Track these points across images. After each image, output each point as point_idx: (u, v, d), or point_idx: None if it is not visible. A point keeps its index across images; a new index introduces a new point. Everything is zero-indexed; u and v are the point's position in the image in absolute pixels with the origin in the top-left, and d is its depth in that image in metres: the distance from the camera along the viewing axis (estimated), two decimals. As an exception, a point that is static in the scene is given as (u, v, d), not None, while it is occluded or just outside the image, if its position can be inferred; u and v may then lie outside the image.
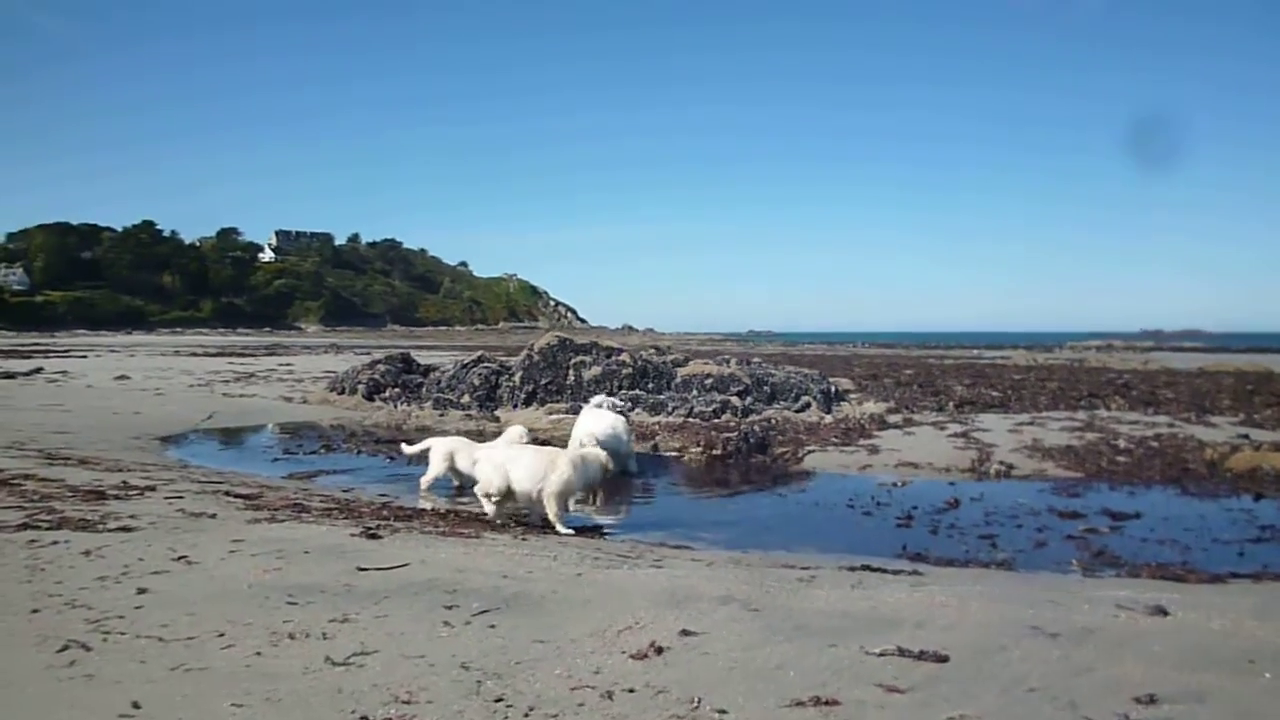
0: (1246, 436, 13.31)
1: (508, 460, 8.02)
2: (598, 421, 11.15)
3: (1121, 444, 12.79)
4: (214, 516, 7.06)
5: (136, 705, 3.38)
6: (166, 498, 7.83)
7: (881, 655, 3.99)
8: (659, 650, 4.02)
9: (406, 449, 10.49)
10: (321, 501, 8.45)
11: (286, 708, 3.37)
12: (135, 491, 8.05)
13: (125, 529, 6.29)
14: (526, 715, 3.31)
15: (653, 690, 3.56)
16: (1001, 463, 11.67)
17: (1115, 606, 5.06)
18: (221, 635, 4.17)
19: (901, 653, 4.01)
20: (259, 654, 3.94)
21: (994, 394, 19.32)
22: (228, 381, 23.39)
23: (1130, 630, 4.53)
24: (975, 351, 52.13)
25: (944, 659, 3.96)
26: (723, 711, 3.36)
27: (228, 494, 8.41)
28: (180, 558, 5.56)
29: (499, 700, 3.44)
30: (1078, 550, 7.54)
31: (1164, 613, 4.94)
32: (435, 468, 9.77)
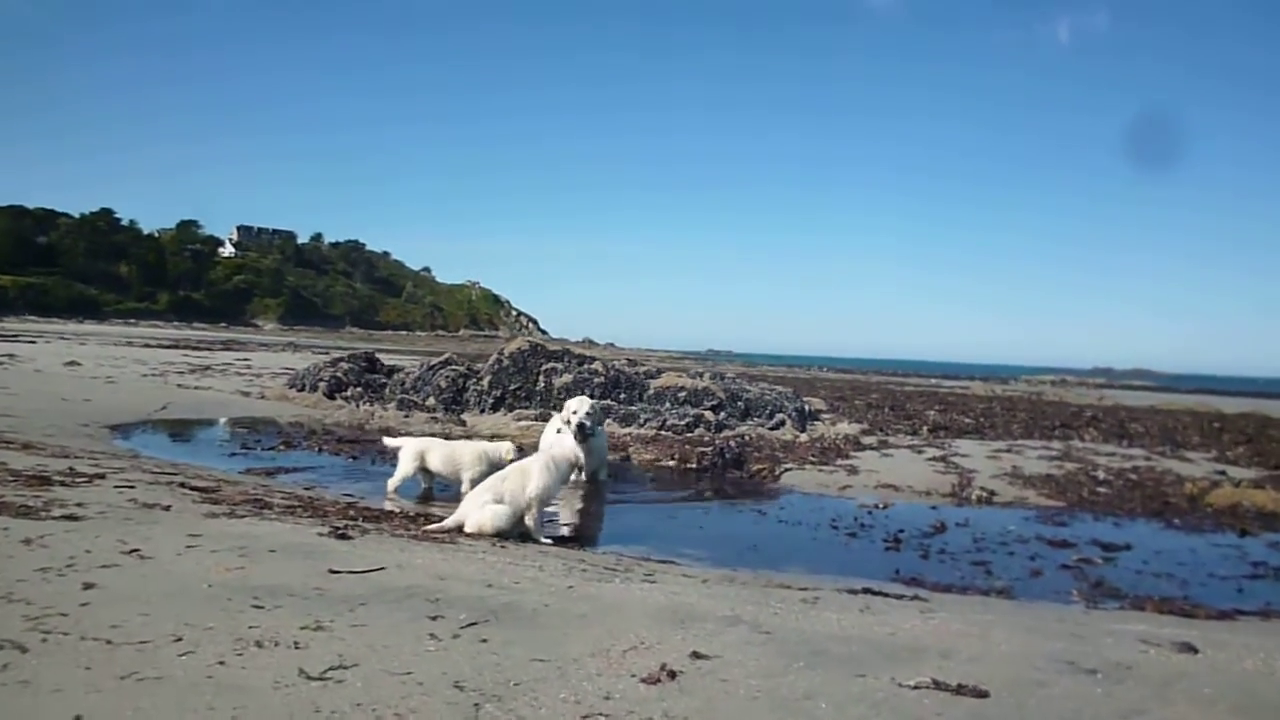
0: (1224, 473, 13.24)
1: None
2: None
3: (1101, 475, 12.64)
4: (168, 508, 6.54)
5: (79, 719, 2.92)
6: (116, 486, 7.29)
7: (916, 688, 3.63)
8: (671, 675, 3.62)
9: (389, 441, 10.00)
10: (284, 498, 7.94)
11: (257, 728, 2.93)
12: (83, 479, 7.50)
13: (71, 517, 5.76)
14: (535, 746, 2.91)
15: (673, 720, 3.17)
16: (983, 488, 11.44)
17: (1140, 642, 4.76)
18: (179, 640, 3.70)
19: (937, 685, 3.66)
20: (222, 663, 3.48)
21: (966, 420, 19.19)
22: (183, 373, 22.60)
23: (1167, 668, 4.22)
24: (934, 380, 52.36)
25: (984, 694, 3.61)
26: (756, 748, 2.98)
27: (183, 485, 7.88)
28: (132, 551, 5.06)
29: (502, 727, 3.02)
30: (1075, 580, 7.30)
31: (1193, 650, 4.65)
32: (404, 467, 9.32)
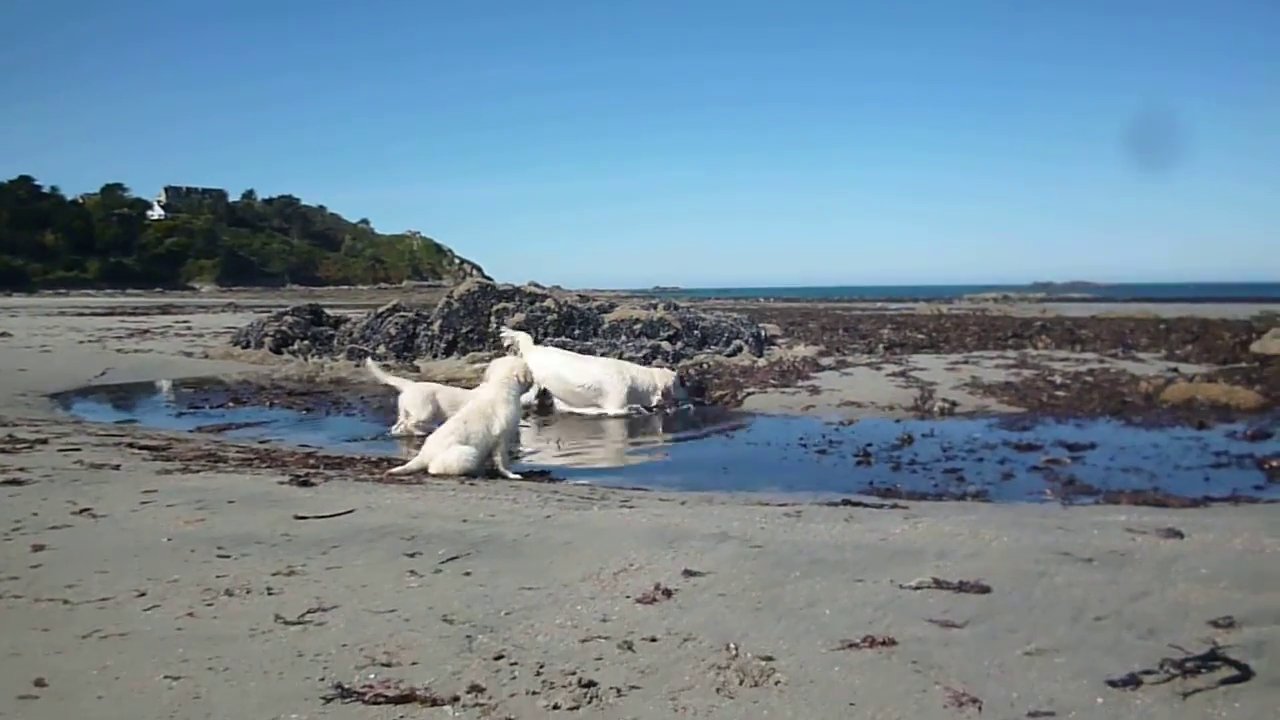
0: (1176, 370, 13.43)
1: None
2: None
3: (1058, 379, 12.74)
4: (118, 468, 6.25)
5: (41, 683, 2.70)
6: (61, 450, 6.95)
7: (918, 588, 3.54)
8: (667, 593, 3.49)
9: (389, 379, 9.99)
10: (238, 452, 7.66)
11: (236, 677, 2.73)
12: (24, 445, 7.14)
13: (14, 482, 5.47)
14: (538, 674, 2.74)
15: (678, 638, 3.03)
16: (945, 400, 11.44)
17: (1126, 530, 4.73)
18: (142, 595, 3.48)
19: (938, 584, 3.57)
20: (192, 614, 3.27)
21: (920, 336, 19.24)
22: (121, 338, 21.83)
23: (1160, 553, 4.19)
24: (879, 304, 52.71)
25: (986, 589, 3.53)
26: (768, 658, 2.85)
27: (131, 446, 7.55)
28: (83, 510, 4.79)
29: (500, 657, 2.85)
30: (1046, 480, 7.29)
31: (1179, 535, 4.64)
32: (420, 412, 9.17)
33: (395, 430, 9.29)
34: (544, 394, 11.46)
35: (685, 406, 11.70)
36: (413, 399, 9.33)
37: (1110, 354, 15.61)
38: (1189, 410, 10.75)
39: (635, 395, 11.28)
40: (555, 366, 11.50)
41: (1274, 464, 7.64)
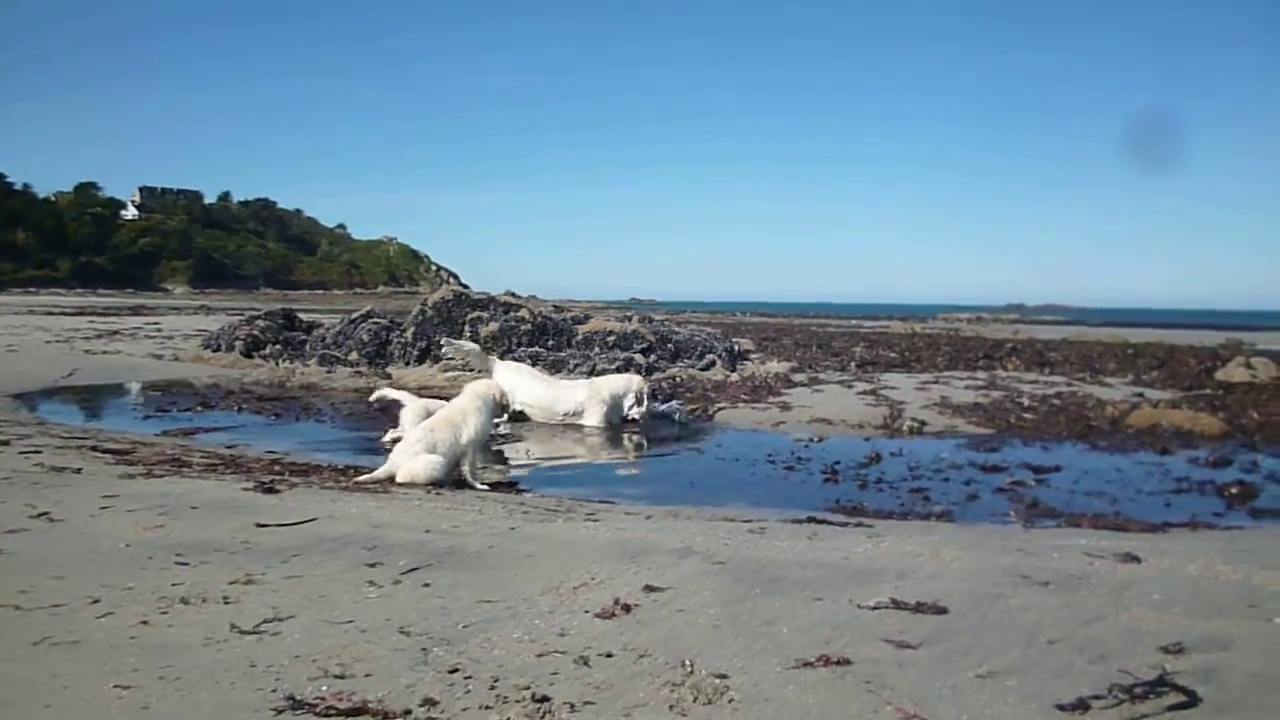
0: (1141, 395, 13.61)
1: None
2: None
3: (1026, 401, 12.87)
4: (79, 471, 6.18)
5: (-11, 688, 2.67)
6: (22, 452, 6.87)
7: (876, 608, 3.57)
8: (627, 608, 3.49)
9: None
10: (204, 457, 7.59)
11: (188, 687, 2.71)
12: (-17, 446, 7.05)
13: (-29, 485, 5.40)
14: (493, 688, 2.73)
15: (634, 654, 3.03)
16: (914, 419, 11.53)
17: (1085, 554, 4.79)
18: (96, 601, 3.44)
19: (896, 605, 3.60)
20: (146, 623, 3.24)
21: (892, 355, 19.39)
22: (90, 339, 21.57)
23: (1116, 577, 4.24)
24: (853, 321, 53.01)
25: (943, 610, 3.56)
26: (723, 676, 2.86)
27: (95, 449, 7.47)
28: (41, 514, 4.74)
29: (454, 671, 2.85)
30: (1010, 502, 7.36)
31: (1136, 559, 4.70)
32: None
33: (386, 438, 9.11)
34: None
35: (673, 412, 11.72)
36: (410, 415, 9.12)
37: (1078, 378, 15.79)
38: (1153, 435, 10.89)
39: (613, 408, 11.30)
40: (533, 389, 11.49)
41: (1233, 491, 7.76)
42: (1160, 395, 13.67)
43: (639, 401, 11.36)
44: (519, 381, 11.40)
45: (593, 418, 11.18)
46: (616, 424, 11.25)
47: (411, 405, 9.03)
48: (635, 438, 10.75)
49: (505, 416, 9.97)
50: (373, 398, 9.51)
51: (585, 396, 11.35)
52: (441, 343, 13.71)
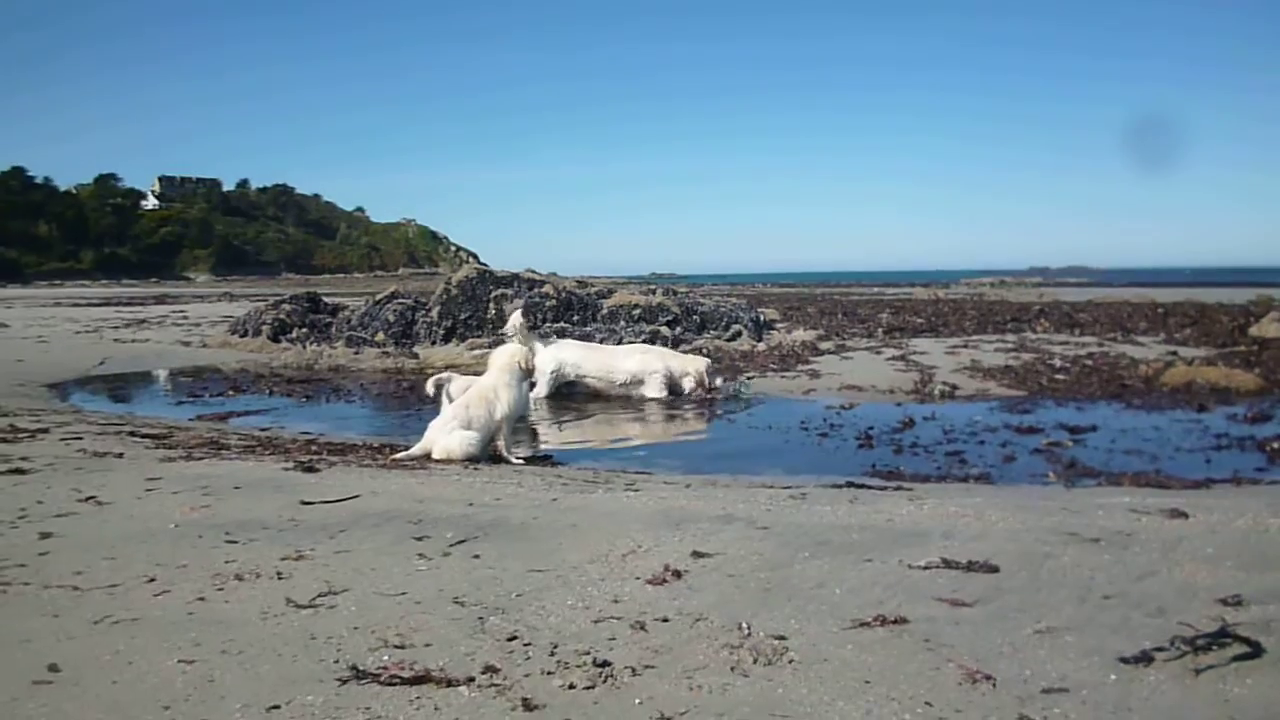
0: (1175, 353, 13.46)
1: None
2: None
3: (1057, 363, 12.78)
4: (121, 456, 6.24)
5: (54, 668, 2.70)
6: (63, 439, 6.94)
7: (927, 568, 3.55)
8: (677, 574, 3.49)
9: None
10: (240, 439, 7.65)
11: (250, 660, 2.73)
12: (25, 434, 7.13)
13: (17, 471, 5.46)
14: (552, 654, 2.74)
15: (689, 618, 3.03)
16: (945, 383, 11.46)
17: (1131, 511, 4.74)
18: (152, 580, 3.48)
19: (947, 564, 3.58)
20: (202, 599, 3.27)
21: (919, 321, 19.27)
22: (118, 328, 21.80)
23: (1165, 533, 4.19)
24: (876, 289, 52.69)
25: (995, 569, 3.54)
26: (780, 637, 2.86)
27: (133, 434, 7.54)
28: (88, 498, 4.79)
29: (513, 639, 2.86)
30: (1048, 463, 7.30)
31: (1184, 515, 4.64)
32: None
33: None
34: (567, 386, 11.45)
35: (739, 390, 11.63)
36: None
37: (1109, 338, 15.65)
38: (1188, 393, 10.77)
39: (671, 382, 11.29)
40: (584, 361, 11.49)
41: (1275, 446, 7.66)
42: (1194, 353, 13.52)
43: (700, 385, 11.31)
44: (576, 356, 11.49)
45: (652, 389, 11.19)
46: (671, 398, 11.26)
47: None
48: (665, 407, 10.75)
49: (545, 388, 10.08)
50: (429, 386, 9.03)
51: (639, 367, 11.39)
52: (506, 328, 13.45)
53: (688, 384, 11.29)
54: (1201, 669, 2.62)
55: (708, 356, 13.90)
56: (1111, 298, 30.93)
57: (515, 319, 10.97)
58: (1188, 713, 2.42)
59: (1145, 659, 2.68)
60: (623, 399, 11.14)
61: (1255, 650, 2.72)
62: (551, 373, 11.14)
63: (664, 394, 11.12)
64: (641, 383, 11.25)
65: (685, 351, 14.12)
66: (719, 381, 11.48)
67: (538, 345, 11.72)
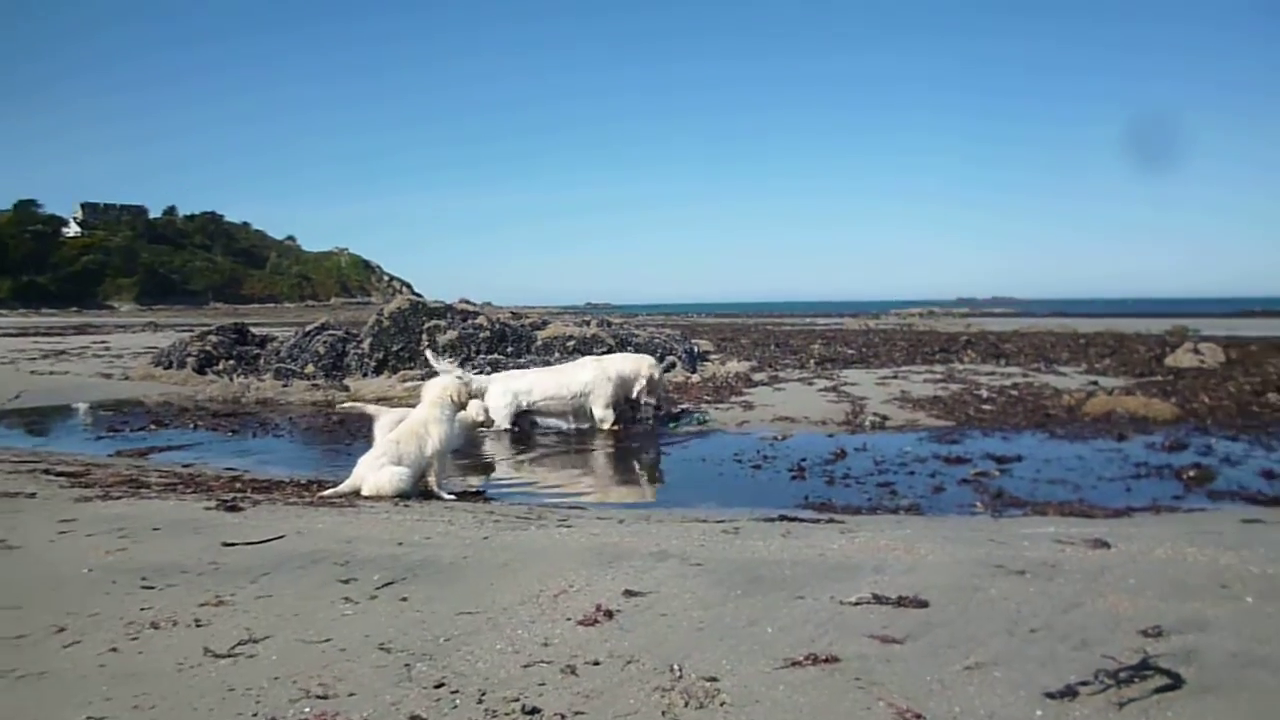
0: (1096, 383, 13.85)
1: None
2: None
3: (984, 393, 13.03)
4: (33, 496, 6.00)
5: (-49, 726, 2.57)
6: (-30, 479, 6.66)
7: (858, 604, 3.56)
8: (609, 614, 3.45)
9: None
10: (161, 477, 7.41)
11: (164, 715, 2.62)
12: (-71, 474, 6.83)
13: (-82, 514, 5.21)
14: (480, 701, 2.68)
15: (621, 660, 3.00)
16: (876, 414, 11.62)
17: (1055, 542, 4.83)
18: (62, 630, 3.33)
19: (878, 600, 3.60)
20: (115, 650, 3.14)
21: (850, 351, 19.56)
22: (35, 359, 21.06)
23: (1089, 564, 4.28)
24: (809, 319, 53.42)
25: (924, 603, 3.57)
26: (712, 679, 2.84)
27: (47, 472, 7.26)
28: (-4, 542, 4.59)
29: (440, 686, 2.79)
30: (976, 493, 7.42)
31: (1106, 545, 4.75)
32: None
33: None
34: (521, 415, 11.32)
35: (698, 419, 11.64)
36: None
37: (1033, 368, 16.04)
38: (1109, 422, 11.07)
39: (620, 389, 11.23)
40: (537, 385, 11.38)
41: (1190, 474, 7.90)
42: (1113, 383, 13.92)
43: (650, 389, 11.29)
44: (528, 381, 11.40)
45: (599, 403, 11.12)
46: (625, 410, 11.20)
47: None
48: (600, 439, 10.71)
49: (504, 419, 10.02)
50: (339, 408, 9.13)
51: (591, 376, 11.26)
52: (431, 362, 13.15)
53: (638, 386, 11.26)
54: (1124, 702, 2.66)
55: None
56: (1036, 328, 31.80)
57: (430, 358, 10.91)
58: (1111, 747, 2.46)
59: (1070, 693, 2.72)
60: (563, 434, 11.07)
61: (1176, 681, 2.78)
62: (506, 405, 11.03)
63: (611, 409, 11.11)
64: (592, 393, 11.18)
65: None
66: (668, 377, 11.49)
67: (483, 378, 11.62)
